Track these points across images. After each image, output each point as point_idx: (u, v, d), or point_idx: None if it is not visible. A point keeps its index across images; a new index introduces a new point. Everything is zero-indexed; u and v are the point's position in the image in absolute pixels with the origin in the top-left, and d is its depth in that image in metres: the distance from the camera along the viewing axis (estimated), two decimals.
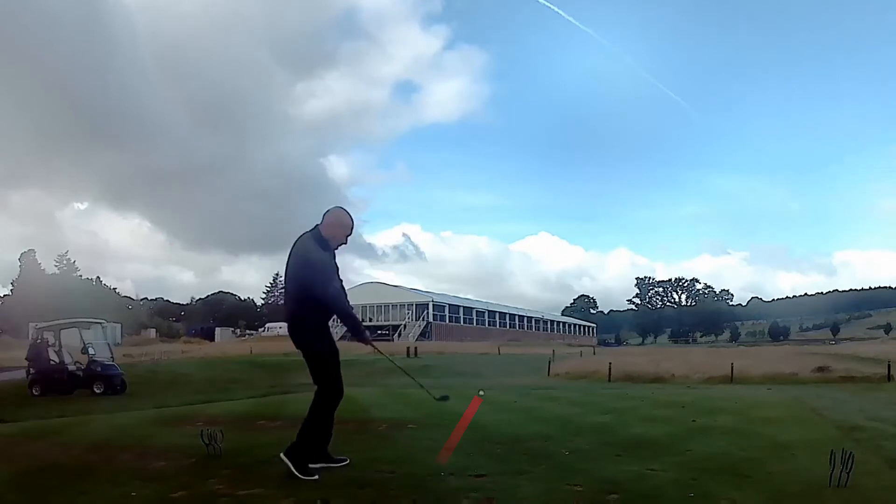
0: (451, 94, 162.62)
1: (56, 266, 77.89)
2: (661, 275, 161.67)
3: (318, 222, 4.52)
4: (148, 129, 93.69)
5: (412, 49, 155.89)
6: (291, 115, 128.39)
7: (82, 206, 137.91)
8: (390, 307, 69.52)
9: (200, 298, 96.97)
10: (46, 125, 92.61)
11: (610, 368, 22.73)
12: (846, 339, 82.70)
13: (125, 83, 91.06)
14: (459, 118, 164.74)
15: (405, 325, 65.94)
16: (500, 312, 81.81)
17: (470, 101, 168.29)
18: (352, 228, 4.57)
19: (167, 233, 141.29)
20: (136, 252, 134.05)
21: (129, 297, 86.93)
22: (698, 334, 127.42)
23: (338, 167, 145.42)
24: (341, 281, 4.58)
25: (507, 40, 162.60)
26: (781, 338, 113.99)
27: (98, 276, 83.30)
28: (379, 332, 60.80)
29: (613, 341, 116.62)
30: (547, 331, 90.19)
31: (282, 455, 4.21)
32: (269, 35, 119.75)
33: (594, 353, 39.68)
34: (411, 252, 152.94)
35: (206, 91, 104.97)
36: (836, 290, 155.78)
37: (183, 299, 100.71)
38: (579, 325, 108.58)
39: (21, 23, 78.97)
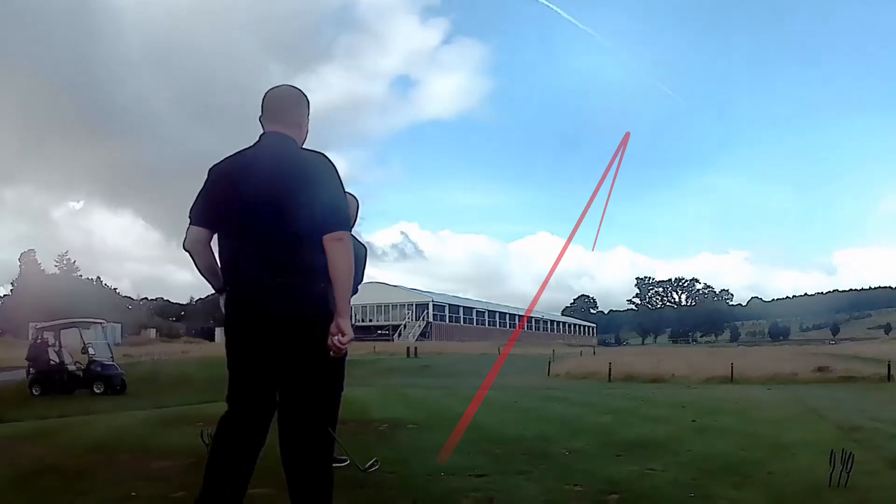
0: (449, 89, 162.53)
1: (56, 266, 77.96)
2: (661, 275, 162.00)
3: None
4: (141, 124, 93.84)
5: (410, 43, 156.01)
6: None
7: (78, 205, 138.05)
8: (390, 307, 69.49)
9: (200, 298, 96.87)
10: (38, 121, 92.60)
11: (610, 368, 22.75)
12: (846, 339, 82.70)
13: (117, 78, 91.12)
14: (458, 114, 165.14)
15: (405, 325, 65.96)
16: (500, 312, 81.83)
17: (468, 96, 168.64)
18: None
19: (163, 231, 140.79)
20: (132, 251, 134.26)
21: (129, 297, 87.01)
22: (698, 334, 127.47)
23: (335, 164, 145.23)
24: None
25: (506, 35, 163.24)
26: (781, 338, 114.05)
27: (98, 276, 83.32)
28: (379, 332, 60.84)
29: (613, 341, 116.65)
30: (547, 331, 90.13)
31: None
32: (264, 28, 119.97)
33: (594, 354, 39.74)
34: (410, 251, 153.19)
35: (199, 86, 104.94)
36: (836, 290, 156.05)
37: (182, 299, 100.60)
38: (579, 325, 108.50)
39: (10, 17, 78.99)
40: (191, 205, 2.74)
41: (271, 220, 2.54)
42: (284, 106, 2.77)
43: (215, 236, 2.71)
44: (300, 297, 2.54)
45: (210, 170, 2.74)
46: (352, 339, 2.60)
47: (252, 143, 2.74)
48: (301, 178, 2.58)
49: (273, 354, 2.55)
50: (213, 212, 2.67)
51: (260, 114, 2.77)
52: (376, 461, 4.51)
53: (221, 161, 2.74)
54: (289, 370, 2.56)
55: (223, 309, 2.70)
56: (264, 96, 2.79)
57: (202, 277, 2.78)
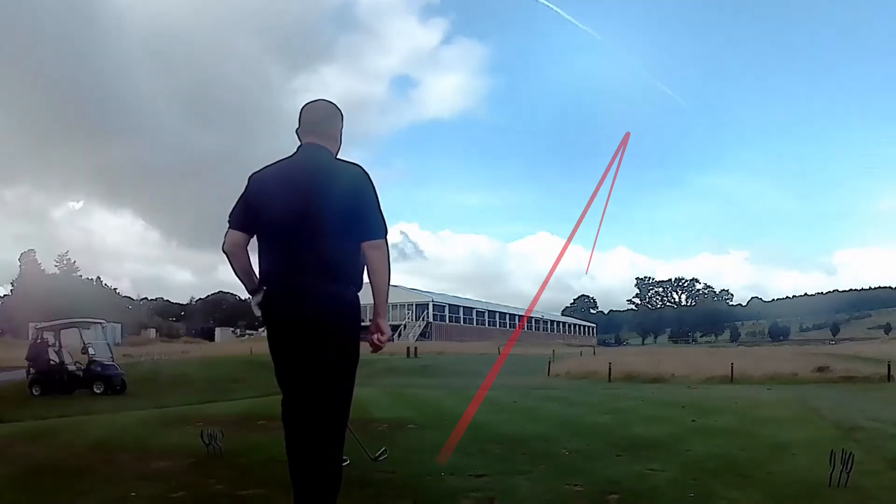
0: (449, 89, 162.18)
1: (56, 266, 77.97)
2: (661, 275, 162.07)
3: None
4: (141, 124, 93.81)
5: (410, 42, 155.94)
6: (286, 109, 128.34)
7: (78, 205, 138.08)
8: (390, 307, 67.41)
9: (200, 298, 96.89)
10: (38, 121, 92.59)
11: (610, 368, 22.73)
12: (846, 339, 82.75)
13: (116, 77, 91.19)
14: (458, 114, 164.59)
15: (405, 325, 65.92)
16: (499, 312, 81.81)
17: (468, 96, 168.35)
18: None
19: (163, 231, 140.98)
20: (131, 250, 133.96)
21: (129, 297, 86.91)
22: (698, 334, 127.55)
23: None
24: None
25: (506, 35, 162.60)
26: (781, 338, 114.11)
27: (98, 276, 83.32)
28: None
29: (613, 341, 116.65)
30: (547, 331, 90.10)
31: None
32: (264, 28, 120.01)
33: (594, 354, 39.70)
34: (410, 251, 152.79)
35: (199, 85, 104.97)
36: (836, 290, 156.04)
37: (182, 299, 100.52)
38: (579, 325, 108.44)
39: (10, 17, 79.00)
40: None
41: (305, 226, 2.64)
42: (320, 119, 2.88)
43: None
44: (302, 299, 2.63)
45: (249, 177, 2.84)
46: (390, 337, 2.79)
47: (290, 154, 2.85)
48: (336, 187, 2.68)
49: (287, 353, 2.68)
50: (251, 217, 2.78)
51: (297, 126, 2.88)
52: (385, 450, 4.53)
53: (260, 169, 2.86)
54: (291, 369, 2.67)
55: (254, 309, 2.82)
56: (301, 109, 2.91)
57: (238, 278, 2.90)
